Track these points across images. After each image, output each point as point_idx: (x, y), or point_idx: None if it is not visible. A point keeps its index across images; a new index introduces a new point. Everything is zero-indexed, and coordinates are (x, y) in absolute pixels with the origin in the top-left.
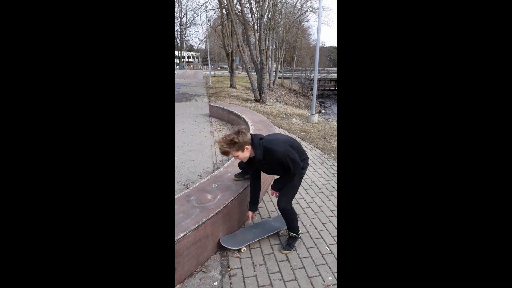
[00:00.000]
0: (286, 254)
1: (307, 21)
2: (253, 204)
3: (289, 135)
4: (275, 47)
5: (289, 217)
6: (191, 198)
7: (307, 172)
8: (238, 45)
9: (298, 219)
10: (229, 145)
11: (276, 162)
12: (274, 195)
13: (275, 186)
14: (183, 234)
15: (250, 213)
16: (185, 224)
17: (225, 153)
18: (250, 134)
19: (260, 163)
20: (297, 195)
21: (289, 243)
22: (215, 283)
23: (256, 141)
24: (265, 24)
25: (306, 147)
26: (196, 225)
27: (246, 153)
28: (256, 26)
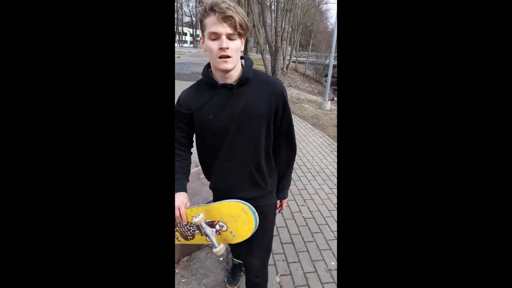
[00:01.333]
0: (290, 236)
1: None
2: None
3: (300, 121)
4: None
5: (263, 277)
6: (201, 176)
7: (316, 159)
8: (253, 26)
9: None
10: (236, 12)
11: (267, 103)
12: (283, 206)
13: (285, 193)
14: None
15: (181, 206)
16: (194, 200)
17: (229, 19)
18: None
19: (238, 95)
20: (305, 181)
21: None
22: (221, 258)
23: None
24: (282, 5)
25: (317, 134)
26: (206, 202)
27: (241, 45)
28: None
